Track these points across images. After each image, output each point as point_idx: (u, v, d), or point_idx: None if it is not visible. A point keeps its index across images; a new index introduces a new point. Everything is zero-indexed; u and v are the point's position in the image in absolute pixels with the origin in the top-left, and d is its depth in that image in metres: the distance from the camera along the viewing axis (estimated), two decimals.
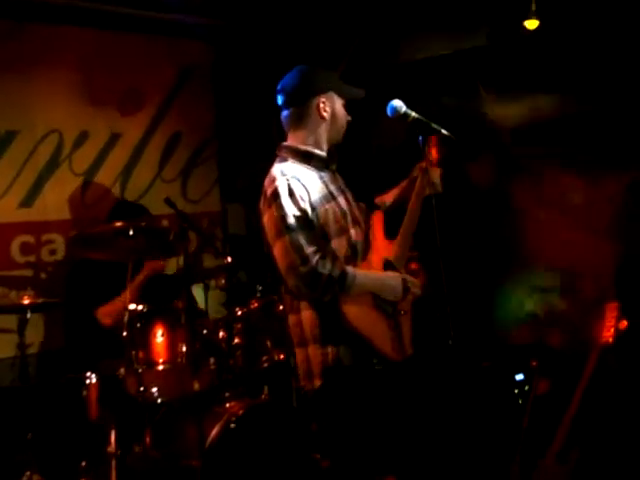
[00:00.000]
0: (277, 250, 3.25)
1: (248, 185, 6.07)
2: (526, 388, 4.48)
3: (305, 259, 3.17)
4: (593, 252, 4.71)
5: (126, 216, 4.52)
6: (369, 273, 3.33)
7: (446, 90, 5.11)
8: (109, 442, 4.16)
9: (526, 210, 5.03)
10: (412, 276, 3.46)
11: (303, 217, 3.23)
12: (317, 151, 3.43)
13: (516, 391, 4.51)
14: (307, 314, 3.32)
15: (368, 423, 3.30)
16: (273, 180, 3.30)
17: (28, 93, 5.23)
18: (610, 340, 3.91)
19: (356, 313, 3.24)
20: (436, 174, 3.55)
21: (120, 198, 5.48)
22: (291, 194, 3.24)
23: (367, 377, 3.30)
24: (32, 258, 5.19)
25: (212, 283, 4.86)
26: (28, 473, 3.94)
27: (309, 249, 3.18)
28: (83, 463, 4.14)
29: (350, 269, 3.25)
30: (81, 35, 5.41)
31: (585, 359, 3.94)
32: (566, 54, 4.81)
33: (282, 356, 4.39)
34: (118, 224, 4.19)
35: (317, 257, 3.17)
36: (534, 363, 4.45)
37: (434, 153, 3.48)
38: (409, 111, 3.38)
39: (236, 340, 4.33)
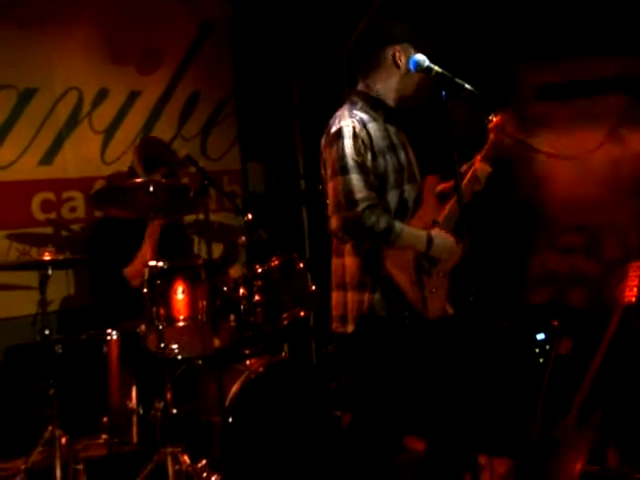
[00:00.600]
0: (330, 189, 3.26)
1: (267, 142, 6.06)
2: (547, 347, 4.45)
3: (353, 204, 3.16)
4: (617, 211, 4.67)
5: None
6: (416, 231, 3.31)
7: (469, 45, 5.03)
8: (130, 398, 4.20)
9: (548, 168, 4.97)
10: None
11: (361, 162, 3.21)
12: (387, 101, 3.41)
13: (537, 350, 4.49)
14: (350, 259, 3.32)
15: (394, 377, 3.31)
16: (340, 119, 3.30)
17: (46, 50, 5.21)
18: (633, 299, 3.87)
19: (396, 265, 3.24)
20: (485, 171, 3.49)
21: None
22: (355, 136, 3.23)
23: (397, 330, 3.29)
24: (53, 215, 5.21)
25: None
26: (50, 428, 3.97)
27: (359, 195, 3.17)
28: (104, 419, 4.17)
29: (398, 224, 3.23)
30: None
31: (608, 319, 3.90)
32: (590, 10, 4.73)
33: (302, 313, 4.38)
34: (138, 180, 4.18)
35: (364, 205, 3.16)
36: (555, 322, 4.42)
37: (499, 135, 3.46)
38: (432, 65, 3.32)
39: (256, 297, 4.32)
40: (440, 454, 3.53)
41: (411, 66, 3.37)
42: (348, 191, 3.18)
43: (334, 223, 3.24)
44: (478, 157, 3.52)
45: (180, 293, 4.17)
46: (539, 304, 4.95)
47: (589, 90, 4.82)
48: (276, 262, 4.40)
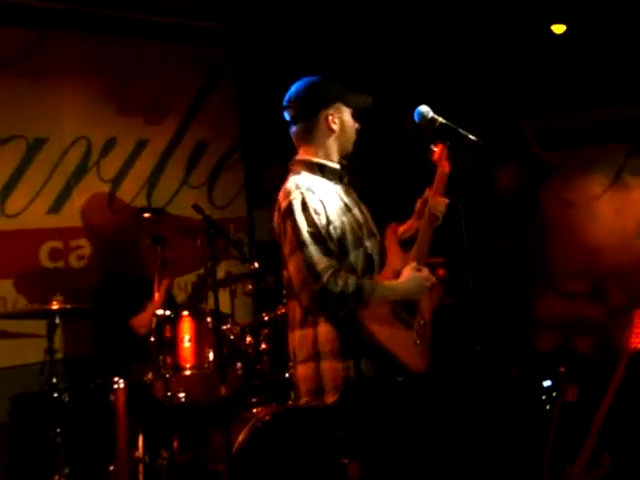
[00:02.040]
0: (291, 265, 3.18)
1: (274, 189, 6.09)
2: (554, 394, 4.45)
3: (317, 276, 3.09)
4: (622, 257, 4.68)
5: None
6: (387, 283, 3.26)
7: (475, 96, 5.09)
8: (137, 447, 4.19)
9: (553, 215, 5.00)
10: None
11: (317, 232, 3.15)
12: (329, 163, 3.38)
13: (544, 397, 4.49)
14: (324, 328, 3.22)
15: (393, 436, 3.24)
16: (288, 194, 3.23)
17: (56, 100, 5.28)
18: (639, 347, 3.88)
19: (376, 326, 3.17)
20: (442, 203, 3.40)
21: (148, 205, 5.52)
22: (305, 208, 3.16)
23: (390, 389, 3.24)
24: (60, 264, 5.24)
25: (239, 289, 4.87)
26: (57, 477, 3.96)
27: (321, 265, 3.10)
28: (111, 467, 4.16)
29: (367, 282, 3.18)
30: (107, 43, 5.45)
31: (614, 365, 3.90)
32: (595, 59, 4.79)
33: None
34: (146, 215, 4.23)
35: (329, 273, 3.09)
36: (562, 369, 4.41)
37: (445, 164, 3.38)
38: (436, 116, 3.35)
39: (263, 345, 4.33)
40: None
41: (415, 117, 3.39)
42: (310, 264, 3.10)
43: (304, 299, 3.15)
44: (430, 192, 3.42)
45: (187, 341, 4.19)
46: (546, 351, 4.95)
47: (591, 138, 4.86)
48: (283, 310, 4.41)
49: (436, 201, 3.37)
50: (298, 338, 3.29)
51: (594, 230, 4.85)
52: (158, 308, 4.22)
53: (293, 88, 3.42)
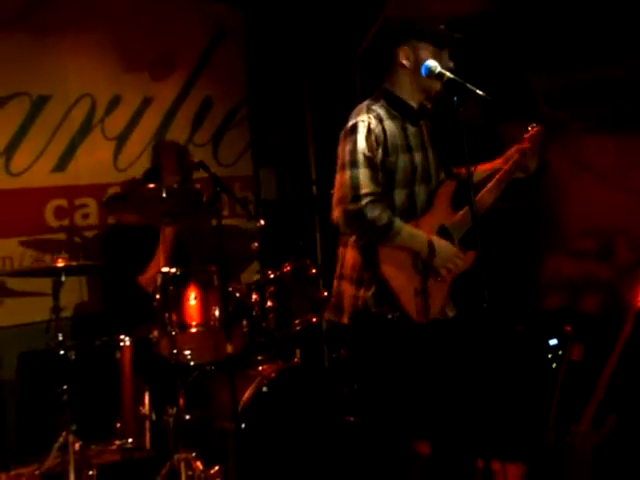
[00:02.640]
0: (337, 181, 3.31)
1: (280, 148, 6.07)
2: (560, 353, 4.44)
3: (357, 197, 3.21)
4: (629, 215, 4.66)
5: None
6: (415, 232, 3.33)
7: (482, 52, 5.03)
8: (143, 404, 4.21)
9: (561, 173, 4.97)
10: (462, 249, 3.43)
11: (371, 158, 3.26)
12: (409, 101, 3.45)
13: (550, 356, 4.48)
14: (350, 252, 3.38)
15: (388, 377, 3.35)
16: (358, 113, 3.35)
17: (60, 57, 5.24)
18: None
19: (392, 267, 3.27)
20: (533, 163, 3.56)
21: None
22: (369, 132, 3.28)
23: (387, 329, 3.32)
24: (66, 222, 5.23)
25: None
26: (64, 434, 3.98)
27: (364, 189, 3.21)
28: (117, 424, 4.18)
29: (398, 222, 3.26)
30: None
31: (620, 324, 3.90)
32: (601, 17, 4.72)
33: (314, 319, 4.38)
34: (151, 186, 4.20)
35: (368, 199, 3.20)
36: (568, 328, 4.41)
37: (535, 144, 3.53)
38: (443, 71, 3.32)
39: (269, 303, 4.32)
40: (443, 458, 3.53)
41: (423, 72, 3.37)
42: (354, 185, 3.23)
43: (336, 214, 3.29)
44: (516, 147, 3.57)
45: (192, 299, 4.18)
46: (552, 310, 4.95)
47: (597, 96, 4.82)
48: (288, 268, 4.40)
49: (531, 156, 3.53)
50: (338, 253, 3.49)
51: (602, 188, 4.82)
52: (165, 260, 4.20)
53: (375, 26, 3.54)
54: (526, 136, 3.57)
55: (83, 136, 5.31)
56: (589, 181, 4.85)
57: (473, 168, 3.64)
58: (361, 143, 3.27)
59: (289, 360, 4.38)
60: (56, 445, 3.99)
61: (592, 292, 4.87)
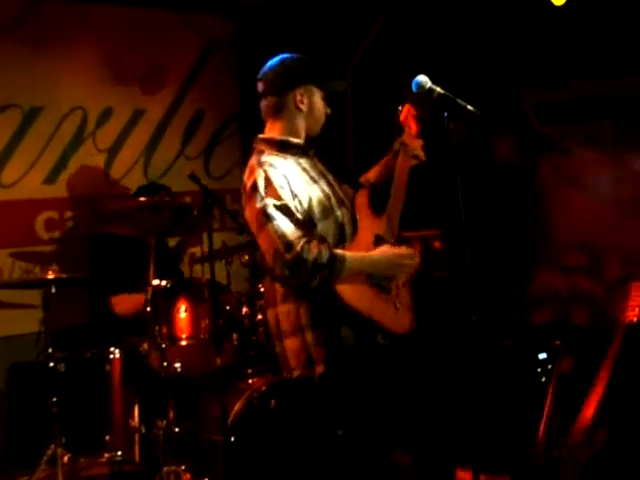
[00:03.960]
0: (262, 240, 3.21)
1: None
2: (549, 367, 4.45)
3: (289, 245, 3.11)
4: (619, 230, 4.68)
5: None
6: (359, 254, 3.26)
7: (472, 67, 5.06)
8: (132, 417, 4.20)
9: (551, 187, 4.99)
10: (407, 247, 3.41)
11: (284, 205, 3.17)
12: (293, 139, 3.39)
13: (539, 369, 4.49)
14: (302, 301, 3.26)
15: (380, 399, 3.30)
16: (251, 172, 3.26)
17: (52, 70, 5.26)
18: (635, 320, 3.89)
19: (352, 293, 3.20)
20: (417, 145, 3.49)
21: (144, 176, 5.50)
22: (269, 184, 3.19)
23: (373, 354, 3.27)
24: (56, 234, 5.23)
25: (235, 259, 4.87)
26: (53, 446, 3.97)
27: (293, 235, 3.13)
28: (107, 437, 4.18)
29: (339, 252, 3.20)
30: (104, 11, 5.43)
31: (610, 338, 3.91)
32: (592, 31, 4.75)
33: None
34: (142, 199, 4.21)
35: (302, 242, 3.12)
36: (557, 342, 4.42)
37: (412, 124, 3.47)
38: (434, 87, 3.32)
39: (259, 316, 4.32)
40: (424, 470, 3.53)
41: (413, 87, 3.37)
42: (281, 235, 3.13)
43: (277, 269, 3.17)
44: (399, 139, 3.51)
45: (183, 312, 4.18)
46: (541, 323, 4.96)
47: (587, 112, 4.85)
48: None
49: (414, 141, 3.46)
50: (281, 313, 3.33)
51: (591, 203, 4.84)
52: (151, 277, 4.21)
53: (269, 62, 3.45)
54: (401, 119, 3.49)
55: (75, 148, 5.34)
56: (579, 196, 4.87)
57: (364, 176, 3.68)
58: (267, 196, 3.18)
59: (279, 373, 4.38)
60: (45, 458, 4.00)
61: (581, 306, 4.89)
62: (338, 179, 3.52)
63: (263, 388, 4.15)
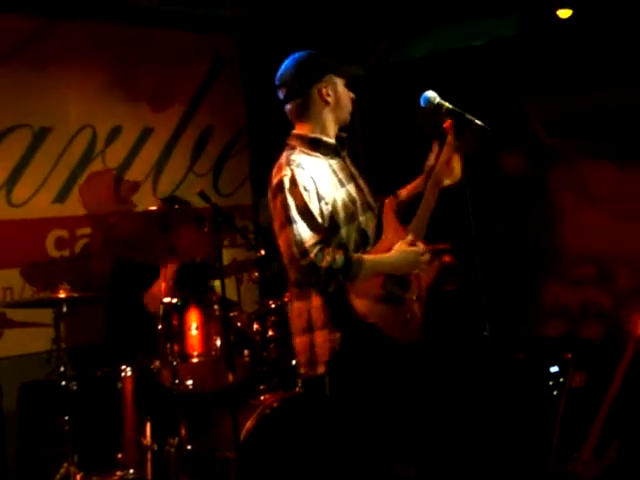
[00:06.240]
0: (281, 241, 3.24)
1: None
2: (561, 380, 4.44)
3: (305, 252, 3.14)
4: (629, 242, 4.68)
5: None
6: (375, 257, 3.28)
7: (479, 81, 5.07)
8: (144, 434, 4.20)
9: (560, 201, 4.99)
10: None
11: (305, 209, 3.19)
12: (325, 138, 3.39)
13: (551, 383, 4.48)
14: (316, 301, 3.28)
15: (380, 407, 3.29)
16: (279, 170, 3.28)
17: (61, 89, 5.28)
18: None
19: (364, 302, 3.22)
20: (457, 163, 3.44)
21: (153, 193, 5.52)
22: (295, 185, 3.20)
23: (376, 360, 3.27)
24: (67, 252, 5.24)
25: (245, 276, 4.88)
26: (65, 465, 3.97)
27: (310, 242, 3.15)
28: (119, 455, 4.17)
29: (356, 256, 3.21)
30: (112, 31, 5.45)
31: (621, 351, 3.90)
32: (599, 44, 4.76)
33: None
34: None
35: (316, 250, 3.14)
36: (569, 355, 4.42)
37: (452, 141, 3.40)
38: (442, 102, 3.34)
39: (270, 333, 4.33)
40: None
41: (422, 102, 3.39)
42: (298, 240, 3.16)
43: (292, 274, 3.23)
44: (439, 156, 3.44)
45: (194, 329, 4.19)
46: (552, 337, 4.95)
47: (595, 124, 4.86)
48: (289, 297, 4.40)
49: (444, 166, 3.38)
50: (295, 310, 3.39)
51: (600, 216, 4.84)
52: (166, 293, 4.22)
53: (282, 66, 3.46)
54: (446, 126, 3.40)
55: (84, 167, 5.35)
56: (588, 208, 4.87)
57: (399, 193, 3.67)
58: (290, 198, 3.19)
59: (291, 389, 4.38)
60: (57, 476, 3.99)
61: (592, 319, 4.88)
62: (368, 183, 3.51)
63: (275, 404, 4.15)
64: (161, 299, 4.19)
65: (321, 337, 3.28)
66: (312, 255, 3.13)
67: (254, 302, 4.82)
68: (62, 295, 4.09)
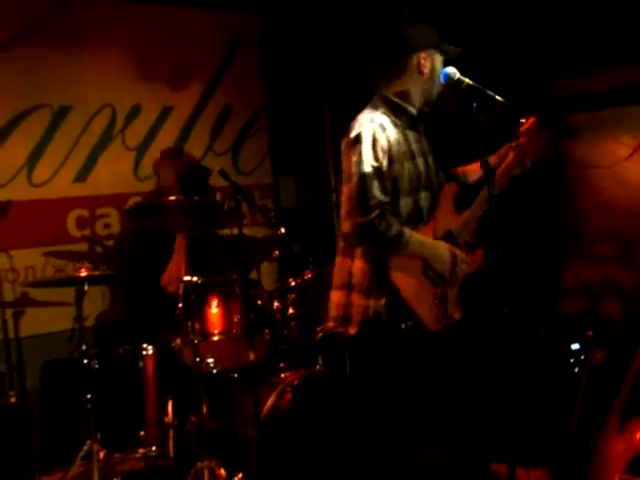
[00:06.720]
0: (345, 192, 3.29)
1: (299, 155, 6.09)
2: (582, 357, 4.43)
3: (366, 210, 3.18)
4: None
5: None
6: (424, 239, 3.33)
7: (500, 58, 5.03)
8: (166, 412, 4.23)
9: (580, 179, 4.96)
10: (469, 252, 3.44)
11: (378, 168, 3.23)
12: (409, 107, 3.44)
13: (572, 360, 4.47)
14: (359, 263, 3.33)
15: (397, 384, 3.34)
16: (360, 124, 3.32)
17: (80, 69, 5.27)
18: None
19: (402, 276, 3.26)
20: (529, 156, 3.51)
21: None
22: (374, 142, 3.25)
23: (400, 338, 3.31)
24: (87, 232, 5.26)
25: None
26: (88, 442, 4.00)
27: (373, 201, 3.19)
28: (141, 432, 4.20)
29: (407, 231, 3.25)
30: (131, 10, 5.44)
31: None
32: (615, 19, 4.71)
33: None
34: (172, 198, 4.23)
35: (378, 211, 3.18)
36: (590, 332, 4.40)
37: (529, 139, 3.47)
38: (463, 77, 3.34)
39: (290, 310, 4.33)
40: (456, 465, 3.54)
41: (441, 79, 3.39)
42: (362, 196, 3.20)
43: (347, 227, 3.29)
44: (509, 145, 3.52)
45: (215, 307, 4.21)
46: (573, 314, 4.93)
47: (618, 99, 4.81)
48: (309, 275, 4.41)
49: (529, 151, 3.47)
50: (338, 264, 3.44)
51: (621, 193, 4.80)
52: (181, 267, 4.23)
53: (389, 30, 3.49)
54: (522, 129, 3.50)
55: (104, 146, 5.35)
56: (610, 186, 4.84)
57: (462, 169, 3.68)
58: (367, 153, 3.24)
59: (311, 367, 4.39)
60: (81, 454, 4.01)
61: (613, 296, 4.86)
62: (437, 163, 3.53)
63: (296, 382, 4.17)
64: (181, 278, 4.19)
65: (358, 298, 3.33)
66: (373, 215, 3.17)
67: (274, 280, 4.84)
68: (83, 274, 4.10)
